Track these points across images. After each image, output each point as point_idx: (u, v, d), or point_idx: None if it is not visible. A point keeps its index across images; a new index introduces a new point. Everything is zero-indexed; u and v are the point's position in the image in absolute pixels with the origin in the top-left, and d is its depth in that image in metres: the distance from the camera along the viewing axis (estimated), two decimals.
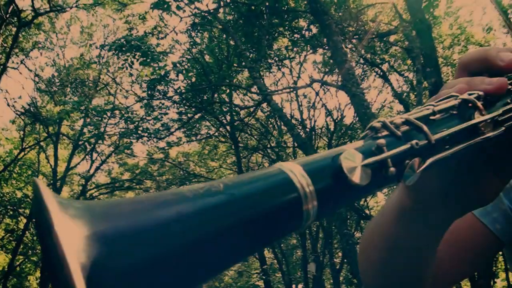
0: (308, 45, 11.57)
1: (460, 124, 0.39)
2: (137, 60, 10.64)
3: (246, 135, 14.17)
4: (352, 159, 0.30)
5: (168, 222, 0.22)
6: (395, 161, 0.33)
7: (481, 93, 0.42)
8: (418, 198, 0.52)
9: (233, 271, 22.53)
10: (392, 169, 0.32)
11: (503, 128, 0.42)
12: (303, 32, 11.54)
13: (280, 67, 12.97)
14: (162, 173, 17.15)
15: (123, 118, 13.75)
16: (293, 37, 11.94)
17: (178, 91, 12.28)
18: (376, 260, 0.66)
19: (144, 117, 13.89)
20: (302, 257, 14.38)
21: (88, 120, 13.94)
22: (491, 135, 0.40)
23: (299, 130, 12.16)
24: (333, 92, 13.04)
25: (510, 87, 0.45)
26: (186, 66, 12.79)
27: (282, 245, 15.66)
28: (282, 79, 13.86)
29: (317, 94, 12.80)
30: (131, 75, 13.52)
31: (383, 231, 0.62)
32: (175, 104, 13.20)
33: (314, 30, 10.86)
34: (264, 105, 11.60)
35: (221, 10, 12.09)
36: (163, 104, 13.36)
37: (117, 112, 13.69)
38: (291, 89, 11.83)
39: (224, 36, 12.23)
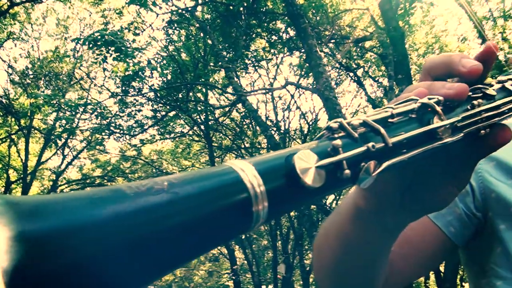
0: (285, 48, 11.62)
1: (419, 128, 0.38)
2: (111, 55, 10.48)
3: (221, 134, 14.13)
4: (306, 160, 0.29)
5: (101, 223, 0.21)
6: (350, 163, 0.32)
7: (441, 97, 0.42)
8: (373, 200, 0.52)
9: (204, 271, 22.45)
10: (347, 171, 0.31)
11: (462, 134, 0.41)
12: (281, 34, 11.59)
13: (256, 68, 12.98)
14: (134, 170, 16.98)
15: (95, 113, 13.54)
16: (270, 39, 11.97)
17: (153, 88, 12.18)
18: (330, 259, 0.66)
19: (117, 113, 13.72)
20: (272, 258, 14.41)
21: (61, 114, 13.66)
22: (449, 141, 0.40)
23: (273, 132, 12.21)
24: (308, 95, 13.15)
25: (471, 93, 0.46)
26: (162, 63, 12.71)
27: (253, 246, 15.67)
28: (258, 80, 13.89)
29: (292, 96, 12.88)
30: (105, 70, 13.34)
31: (338, 231, 0.62)
32: (149, 101, 13.08)
33: (292, 32, 10.94)
34: (240, 105, 11.59)
35: (199, 8, 12.05)
36: (137, 100, 13.23)
37: (90, 107, 13.47)
38: (266, 91, 11.85)
39: (202, 34, 12.16)
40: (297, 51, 11.57)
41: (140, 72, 11.62)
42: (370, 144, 0.33)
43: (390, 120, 0.38)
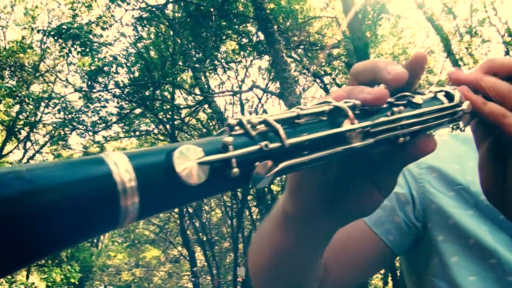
0: (255, 51, 11.64)
1: (329, 130, 0.37)
2: (75, 49, 10.25)
3: (186, 135, 14.01)
4: (189, 156, 0.28)
5: None
6: (242, 161, 0.31)
7: (358, 102, 0.41)
8: (299, 205, 0.51)
9: (164, 272, 22.13)
10: (235, 170, 0.30)
11: (372, 140, 0.40)
12: (251, 37, 11.61)
13: (225, 69, 12.95)
14: None
15: (58, 107, 13.21)
16: (240, 41, 11.98)
17: (119, 84, 11.96)
18: (262, 266, 0.66)
19: (82, 108, 13.42)
20: (233, 261, 14.37)
21: (25, 107, 13.25)
22: (357, 145, 0.39)
23: None
24: (275, 100, 13.20)
25: (394, 100, 0.45)
26: (130, 60, 12.52)
27: (216, 247, 15.59)
28: (227, 81, 13.85)
29: (259, 100, 12.90)
30: (71, 64, 13.02)
31: (268, 237, 0.61)
32: (115, 98, 12.86)
33: (262, 36, 10.96)
34: (206, 106, 11.51)
35: (170, 7, 11.93)
36: (102, 96, 12.99)
37: (53, 101, 13.12)
38: (232, 93, 11.83)
39: (171, 33, 12.04)
40: (267, 55, 11.61)
41: (106, 68, 11.42)
42: (263, 143, 0.32)
43: (296, 121, 0.37)
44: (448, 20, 12.90)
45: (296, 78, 12.55)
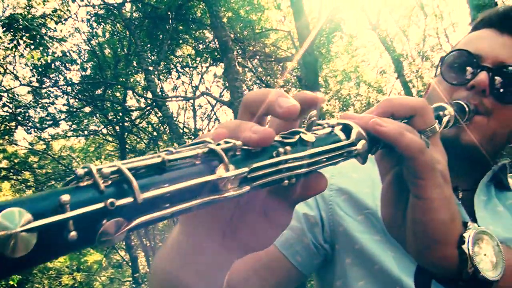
0: (210, 58, 11.59)
1: (197, 178, 0.33)
2: (24, 42, 9.86)
3: (135, 137, 13.72)
4: (10, 222, 0.23)
5: None
6: (81, 222, 0.26)
7: (239, 143, 0.37)
8: (195, 237, 0.50)
9: (105, 277, 21.52)
10: (73, 233, 0.25)
11: (247, 188, 0.37)
12: (208, 43, 11.56)
13: (180, 74, 12.81)
14: (43, 165, 15.96)
15: (3, 101, 12.64)
16: (197, 47, 11.90)
17: (69, 81, 11.63)
18: None
19: (30, 103, 12.91)
20: None
21: None
22: (229, 195, 0.35)
23: (190, 140, 12.02)
24: (228, 108, 13.16)
25: (281, 138, 0.42)
26: (83, 57, 12.21)
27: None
28: (181, 86, 13.70)
29: (212, 107, 12.83)
30: (22, 56, 12.52)
31: (164, 266, 0.59)
32: (65, 95, 12.45)
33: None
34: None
35: (128, 6, 11.74)
36: (52, 92, 12.54)
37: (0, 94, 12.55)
38: (182, 98, 11.71)
39: (128, 33, 11.81)
40: (222, 62, 11.60)
41: (57, 63, 11.09)
42: (109, 201, 0.27)
43: (166, 164, 0.32)
44: (401, 43, 13.39)
45: (252, 88, 12.60)
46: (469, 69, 0.86)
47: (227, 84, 13.15)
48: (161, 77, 12.74)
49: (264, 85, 10.67)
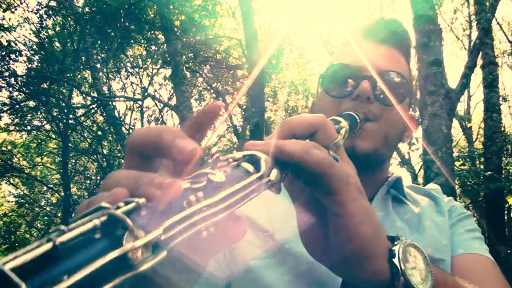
0: (162, 60, 11.44)
1: (102, 257, 0.27)
2: None
3: (79, 135, 13.28)
4: None
5: None
6: None
7: (142, 200, 0.32)
8: None
9: None
10: None
11: (165, 253, 0.31)
12: (160, 45, 11.41)
13: (130, 74, 12.55)
14: None
15: None
16: (149, 48, 11.72)
17: (13, 73, 11.13)
18: None
19: None
20: None
21: None
22: (145, 268, 0.29)
23: None
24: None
25: (189, 182, 0.37)
26: (32, 49, 11.74)
27: None
28: (130, 86, 13.41)
29: (160, 110, 12.63)
30: None
31: None
32: (9, 87, 11.88)
33: None
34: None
35: (81, 0, 11.44)
36: None
37: None
38: (125, 99, 11.47)
39: (78, 28, 11.46)
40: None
41: (2, 53, 10.61)
42: None
43: (55, 254, 0.26)
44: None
45: (203, 94, 12.54)
46: (350, 81, 0.89)
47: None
48: (110, 75, 12.44)
49: (213, 91, 10.67)
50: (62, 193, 13.08)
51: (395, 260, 0.52)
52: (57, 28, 12.57)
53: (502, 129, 16.94)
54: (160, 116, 12.58)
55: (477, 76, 11.11)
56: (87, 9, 11.58)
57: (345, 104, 0.88)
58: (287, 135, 0.52)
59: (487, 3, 8.43)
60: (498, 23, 16.08)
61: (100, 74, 10.99)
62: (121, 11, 9.98)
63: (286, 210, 0.78)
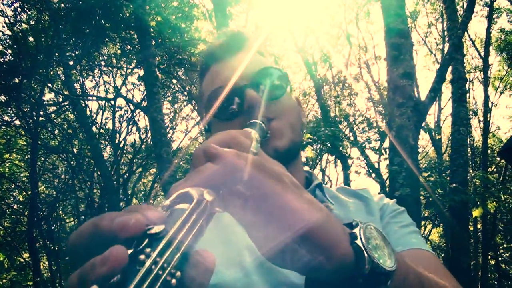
0: (136, 60, 11.32)
1: None
2: None
3: (50, 133, 13.02)
4: None
5: None
6: None
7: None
8: None
9: (6, 279, 20.14)
10: None
11: None
12: (135, 44, 11.28)
13: (103, 73, 12.38)
14: None
15: None
16: (124, 47, 11.58)
17: None
18: None
19: None
20: None
21: None
22: None
23: (106, 142, 11.63)
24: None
25: (132, 249, 0.36)
26: (4, 43, 11.48)
27: (59, 259, 14.49)
28: (103, 85, 13.23)
29: (132, 111, 12.49)
30: None
31: None
32: None
33: None
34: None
35: None
36: None
37: None
38: (96, 98, 11.32)
39: (53, 23, 11.25)
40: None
41: None
42: None
43: None
44: (324, 68, 13.87)
45: (177, 96, 12.45)
46: (236, 98, 0.91)
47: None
48: (83, 73, 12.25)
49: (186, 94, 10.61)
50: (30, 192, 12.81)
51: (358, 242, 0.51)
52: (32, 22, 12.32)
53: (472, 142, 17.40)
54: (132, 116, 12.45)
55: (449, 89, 11.37)
56: (62, 5, 11.39)
57: (243, 120, 0.87)
58: (204, 162, 0.51)
59: (460, 20, 8.63)
60: (471, 39, 16.53)
61: (73, 71, 10.81)
62: (97, 8, 9.85)
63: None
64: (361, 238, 0.51)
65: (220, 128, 0.93)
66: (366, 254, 0.50)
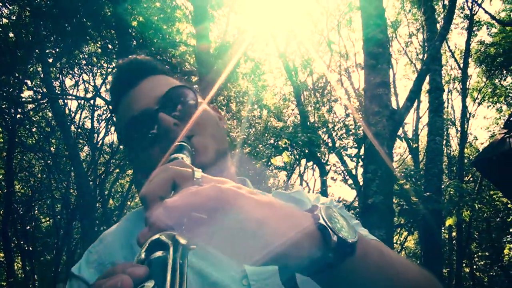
0: (116, 59, 11.22)
1: None
2: None
3: (27, 131, 12.81)
4: None
5: None
6: None
7: None
8: None
9: None
10: None
11: None
12: (116, 44, 11.19)
13: (83, 71, 12.24)
14: None
15: None
16: (106, 46, 11.47)
17: None
18: None
19: None
20: (54, 274, 13.29)
21: None
22: None
23: (84, 142, 11.50)
24: None
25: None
26: None
27: (33, 260, 14.25)
28: (84, 83, 13.07)
29: (111, 111, 12.36)
30: None
31: None
32: None
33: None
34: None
35: None
36: None
37: None
38: (74, 97, 11.20)
39: (34, 19, 11.09)
40: None
41: None
42: None
43: None
44: (304, 73, 13.94)
45: None
46: (153, 124, 0.90)
47: None
48: (63, 71, 12.11)
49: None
50: (6, 190, 12.59)
51: (321, 221, 0.56)
52: (13, 18, 12.14)
53: (450, 151, 17.66)
54: (111, 116, 12.33)
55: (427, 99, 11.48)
56: (44, 1, 11.25)
57: (163, 144, 0.88)
58: (157, 204, 0.52)
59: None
60: (451, 50, 16.82)
61: (53, 69, 10.68)
62: (79, 6, 9.75)
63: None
64: (323, 218, 0.56)
65: (142, 157, 0.92)
66: (330, 230, 0.55)
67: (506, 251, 16.05)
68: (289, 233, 0.53)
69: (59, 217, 13.75)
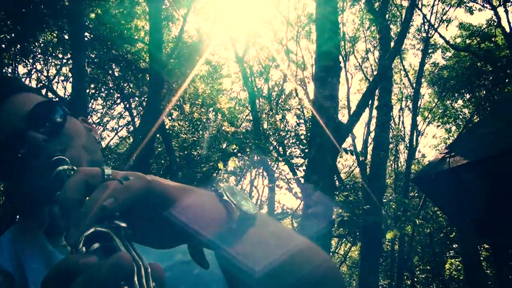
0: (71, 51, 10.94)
1: None
2: None
3: None
4: None
5: None
6: None
7: None
8: None
9: None
10: None
11: None
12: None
13: (37, 60, 11.86)
14: None
15: None
16: (62, 36, 11.15)
17: None
18: None
19: None
20: None
21: None
22: None
23: None
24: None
25: None
26: None
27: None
28: (37, 73, 12.65)
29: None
30: None
31: None
32: None
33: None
34: None
35: None
36: None
37: None
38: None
39: None
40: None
41: None
42: None
43: None
44: (261, 80, 14.03)
45: (112, 93, 12.17)
46: (23, 144, 0.86)
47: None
48: (17, 57, 11.66)
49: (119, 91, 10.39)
50: None
51: (225, 197, 0.61)
52: None
53: (397, 166, 18.18)
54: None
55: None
56: None
57: (38, 162, 0.85)
58: (77, 208, 0.51)
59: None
60: (405, 69, 17.40)
61: (6, 54, 10.29)
62: None
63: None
64: (226, 194, 0.62)
65: (16, 176, 0.89)
66: (233, 205, 0.61)
67: (447, 266, 16.54)
68: (202, 211, 0.58)
69: None
